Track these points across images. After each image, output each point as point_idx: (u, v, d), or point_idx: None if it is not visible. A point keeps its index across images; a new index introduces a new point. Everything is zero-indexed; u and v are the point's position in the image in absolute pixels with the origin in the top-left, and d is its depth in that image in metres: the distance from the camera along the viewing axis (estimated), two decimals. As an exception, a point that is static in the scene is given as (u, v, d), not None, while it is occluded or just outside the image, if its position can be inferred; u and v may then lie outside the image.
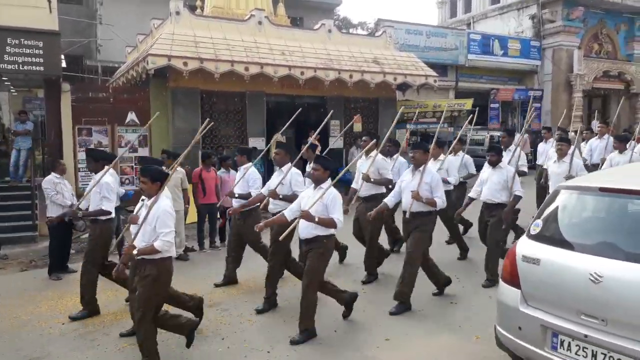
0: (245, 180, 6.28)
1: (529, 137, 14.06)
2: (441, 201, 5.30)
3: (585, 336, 3.01)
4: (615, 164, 7.66)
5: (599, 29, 23.62)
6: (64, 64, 16.35)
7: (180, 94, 11.72)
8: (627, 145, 8.19)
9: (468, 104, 15.55)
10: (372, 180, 6.24)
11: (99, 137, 11.17)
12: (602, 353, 2.96)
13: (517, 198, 6.09)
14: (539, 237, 3.55)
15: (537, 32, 22.60)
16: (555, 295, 3.25)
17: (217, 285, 6.24)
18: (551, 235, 3.52)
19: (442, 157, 7.34)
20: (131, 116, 11.45)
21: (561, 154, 6.98)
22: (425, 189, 5.28)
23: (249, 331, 4.85)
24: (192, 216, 8.64)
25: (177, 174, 7.43)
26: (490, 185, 6.18)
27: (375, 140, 6.44)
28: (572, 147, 7.11)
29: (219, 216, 8.55)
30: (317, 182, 4.66)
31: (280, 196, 5.58)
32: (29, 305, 5.71)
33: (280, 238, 4.67)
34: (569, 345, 3.11)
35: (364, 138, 7.02)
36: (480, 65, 21.08)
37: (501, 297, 3.66)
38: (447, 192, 6.87)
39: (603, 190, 3.37)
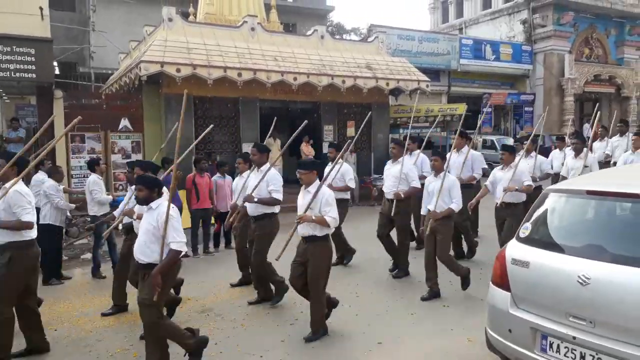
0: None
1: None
2: None
3: (574, 338, 3.04)
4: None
5: (589, 33, 23.88)
6: (56, 71, 16.38)
7: (173, 101, 11.73)
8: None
9: (461, 108, 15.62)
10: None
11: (92, 143, 11.17)
12: (590, 355, 2.98)
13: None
14: (528, 240, 3.59)
15: (528, 36, 22.83)
16: (544, 298, 3.28)
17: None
18: (540, 238, 3.55)
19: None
20: (124, 122, 11.47)
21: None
22: None
23: (242, 336, 4.85)
24: (186, 222, 8.63)
25: None
26: None
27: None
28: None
29: (213, 221, 8.55)
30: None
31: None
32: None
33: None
34: (558, 347, 3.13)
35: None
36: (472, 70, 21.25)
37: (491, 300, 3.69)
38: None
39: (590, 193, 3.42)
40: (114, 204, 6.76)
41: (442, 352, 4.37)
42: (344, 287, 6.24)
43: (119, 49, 16.32)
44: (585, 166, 6.97)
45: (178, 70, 10.89)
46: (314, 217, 4.54)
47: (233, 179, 8.37)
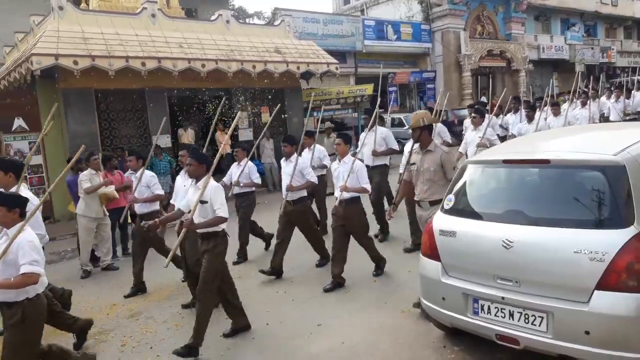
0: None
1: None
2: None
3: (503, 298, 3.26)
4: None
5: (480, 11, 25.31)
6: None
7: (73, 95, 10.92)
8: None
9: (369, 89, 16.00)
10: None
11: (-18, 147, 10.16)
12: (517, 312, 3.21)
13: None
14: (452, 211, 3.78)
15: (426, 16, 23.75)
16: (473, 264, 3.48)
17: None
18: (464, 208, 3.75)
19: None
20: (18, 122, 10.53)
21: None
22: None
23: (177, 337, 4.70)
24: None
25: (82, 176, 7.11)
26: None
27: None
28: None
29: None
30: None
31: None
32: None
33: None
34: (489, 308, 3.35)
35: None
36: (376, 51, 21.74)
37: (423, 271, 3.85)
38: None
39: (507, 162, 3.65)
40: None
41: (378, 325, 4.51)
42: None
43: (2, 41, 14.85)
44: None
45: (75, 63, 10.12)
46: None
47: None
